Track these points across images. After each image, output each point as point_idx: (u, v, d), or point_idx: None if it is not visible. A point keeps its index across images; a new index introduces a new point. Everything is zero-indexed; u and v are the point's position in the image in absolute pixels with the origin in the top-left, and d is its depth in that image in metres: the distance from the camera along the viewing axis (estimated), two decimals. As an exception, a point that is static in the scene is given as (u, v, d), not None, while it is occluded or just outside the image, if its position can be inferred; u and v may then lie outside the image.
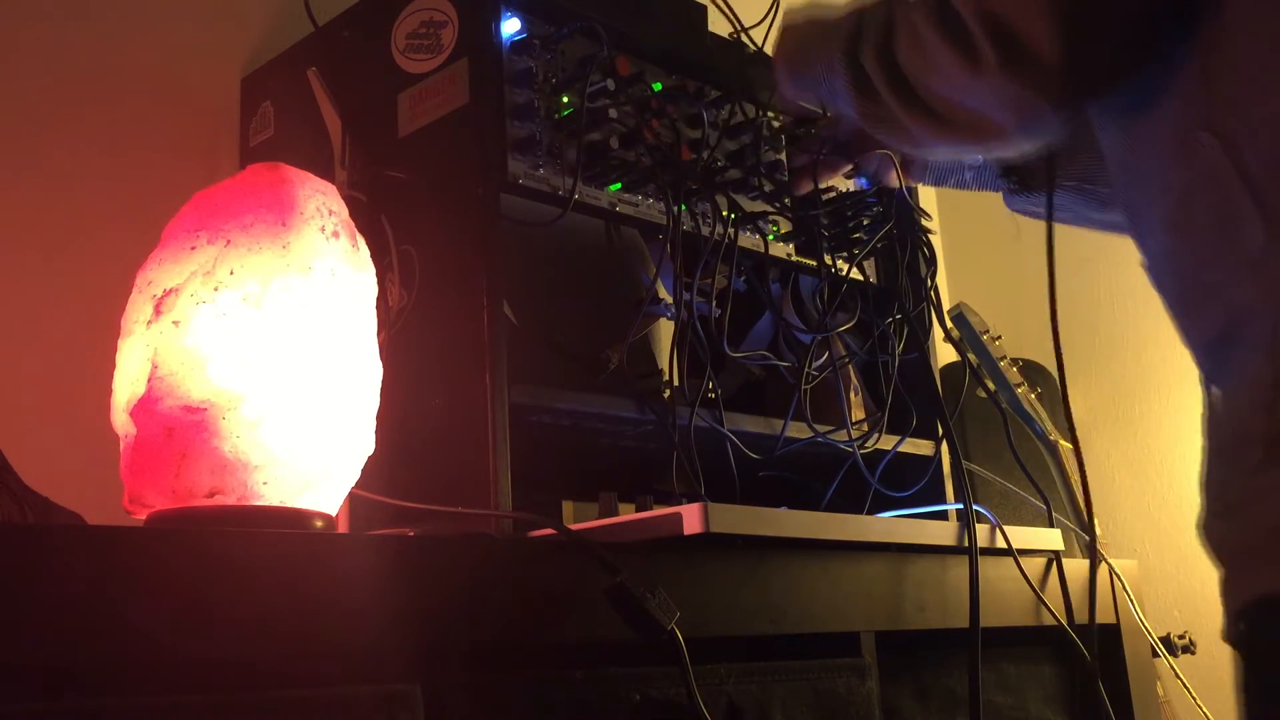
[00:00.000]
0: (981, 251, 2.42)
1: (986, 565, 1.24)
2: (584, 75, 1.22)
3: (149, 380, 0.85)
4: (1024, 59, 0.89)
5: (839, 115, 1.25)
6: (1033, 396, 1.84)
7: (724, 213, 1.27)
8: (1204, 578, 2.08)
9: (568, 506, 1.36)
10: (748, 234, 1.32)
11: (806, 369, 1.34)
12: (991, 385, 1.72)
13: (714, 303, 1.26)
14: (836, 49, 1.11)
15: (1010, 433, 1.46)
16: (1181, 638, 1.75)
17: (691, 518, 0.98)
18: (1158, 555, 2.22)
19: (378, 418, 0.95)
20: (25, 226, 1.33)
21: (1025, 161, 1.28)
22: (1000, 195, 1.35)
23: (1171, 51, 0.88)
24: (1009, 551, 1.29)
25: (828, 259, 1.40)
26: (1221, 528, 0.84)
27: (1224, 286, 0.85)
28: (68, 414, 1.26)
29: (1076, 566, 1.44)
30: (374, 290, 0.96)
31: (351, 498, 1.00)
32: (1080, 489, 1.42)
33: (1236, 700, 0.81)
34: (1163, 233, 0.91)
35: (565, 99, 1.20)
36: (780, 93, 1.28)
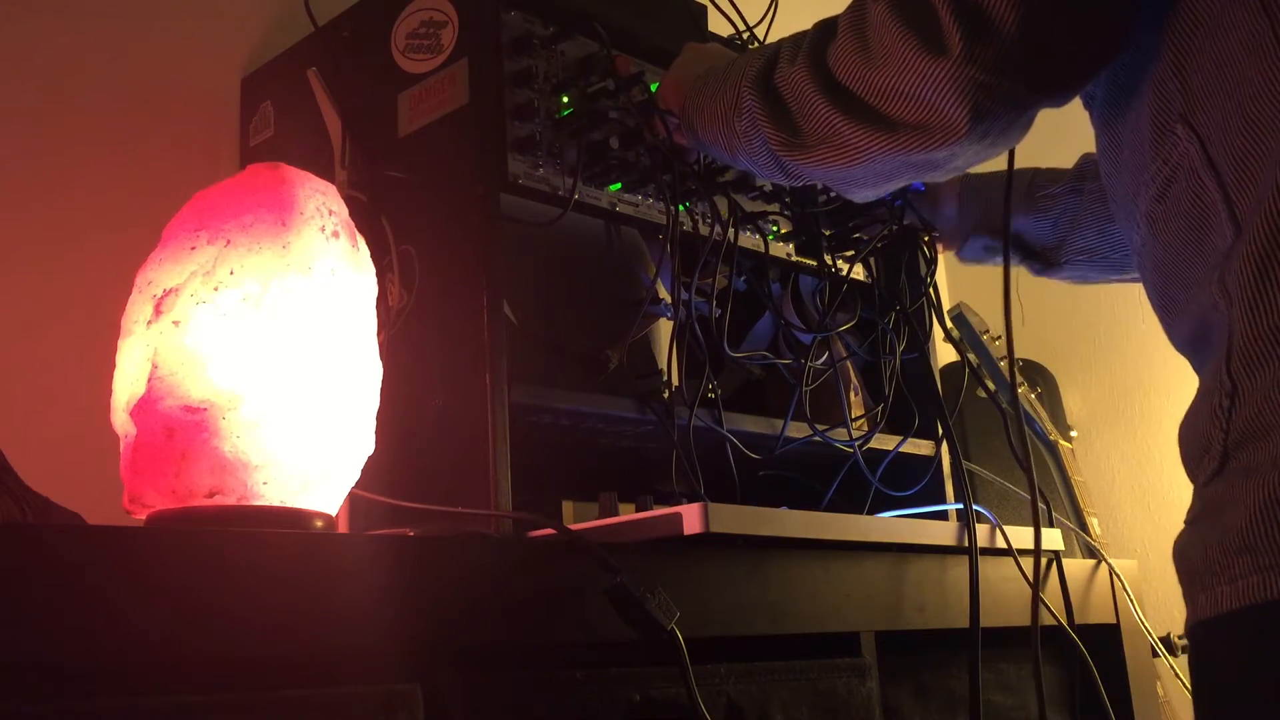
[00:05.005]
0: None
1: (986, 565, 1.24)
2: (584, 75, 1.22)
3: (149, 380, 0.85)
4: (988, 37, 0.86)
5: (742, 169, 1.14)
6: (1033, 396, 1.84)
7: (724, 213, 1.26)
8: (1204, 578, 2.07)
9: (568, 506, 1.36)
10: (748, 234, 1.32)
11: (808, 368, 1.34)
12: (991, 385, 1.73)
13: (714, 303, 1.26)
14: (743, 82, 1.05)
15: (1010, 433, 1.46)
16: (1182, 638, 1.75)
17: (691, 518, 0.98)
18: (1158, 555, 2.22)
19: (378, 418, 0.95)
20: (26, 226, 1.34)
21: (1040, 245, 1.30)
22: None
23: (1148, 42, 0.87)
24: (1009, 551, 1.29)
25: (828, 259, 1.40)
26: (1182, 540, 0.83)
27: (1196, 285, 0.84)
28: (68, 414, 1.26)
29: (1077, 566, 1.44)
30: (374, 290, 0.96)
31: (351, 498, 1.00)
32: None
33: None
34: (1144, 225, 0.90)
35: (565, 99, 1.20)
36: (677, 141, 1.21)
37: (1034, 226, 1.31)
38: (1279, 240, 0.75)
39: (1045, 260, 1.32)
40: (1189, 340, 0.88)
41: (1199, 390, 0.83)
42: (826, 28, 1.00)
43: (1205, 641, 0.79)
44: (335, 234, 0.91)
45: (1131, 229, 0.94)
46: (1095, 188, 1.25)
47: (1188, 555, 0.81)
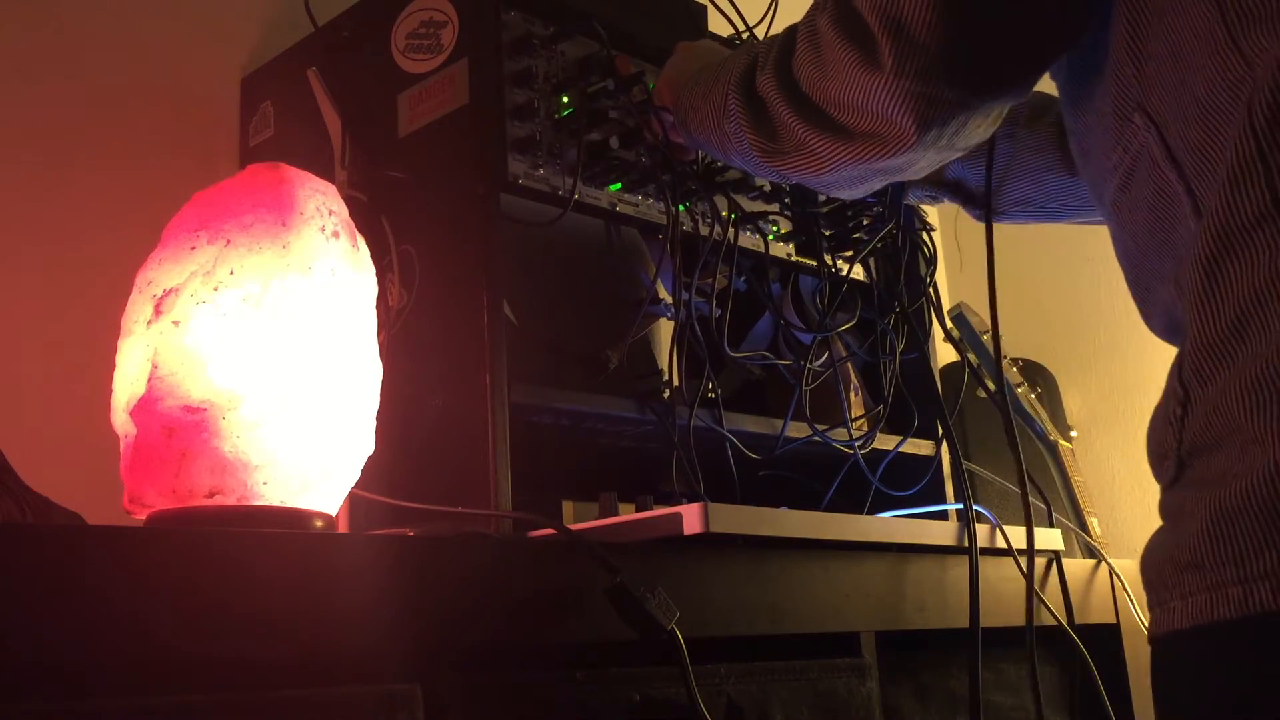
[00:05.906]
0: (981, 251, 2.41)
1: (986, 565, 1.24)
2: (584, 75, 1.22)
3: (149, 380, 0.85)
4: (913, 50, 0.86)
5: (737, 167, 1.16)
6: (1033, 396, 1.84)
7: (724, 213, 1.27)
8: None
9: (568, 506, 1.36)
10: (748, 234, 1.32)
11: (808, 369, 1.34)
12: (992, 385, 1.72)
13: (714, 303, 1.26)
14: (729, 84, 1.05)
15: (1010, 432, 1.46)
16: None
17: (691, 518, 0.98)
18: (1158, 555, 2.21)
19: (378, 418, 0.95)
20: (25, 226, 1.34)
21: (979, 190, 1.25)
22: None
23: (1105, 26, 0.85)
24: (1009, 551, 1.29)
25: (828, 259, 1.40)
26: (1148, 544, 0.81)
27: (1162, 279, 0.82)
28: (68, 414, 1.26)
29: (1077, 566, 1.44)
30: (374, 290, 0.96)
31: (351, 498, 1.00)
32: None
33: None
34: (1112, 214, 0.88)
35: (565, 99, 1.20)
36: (672, 138, 1.21)
37: (970, 174, 1.27)
38: (1228, 241, 0.72)
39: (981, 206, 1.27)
40: (1165, 332, 0.87)
41: (1164, 389, 0.81)
42: (790, 35, 1.00)
43: (1162, 655, 0.78)
44: (335, 234, 0.91)
45: (1105, 216, 0.92)
46: (1027, 134, 1.21)
47: (1147, 563, 0.79)
